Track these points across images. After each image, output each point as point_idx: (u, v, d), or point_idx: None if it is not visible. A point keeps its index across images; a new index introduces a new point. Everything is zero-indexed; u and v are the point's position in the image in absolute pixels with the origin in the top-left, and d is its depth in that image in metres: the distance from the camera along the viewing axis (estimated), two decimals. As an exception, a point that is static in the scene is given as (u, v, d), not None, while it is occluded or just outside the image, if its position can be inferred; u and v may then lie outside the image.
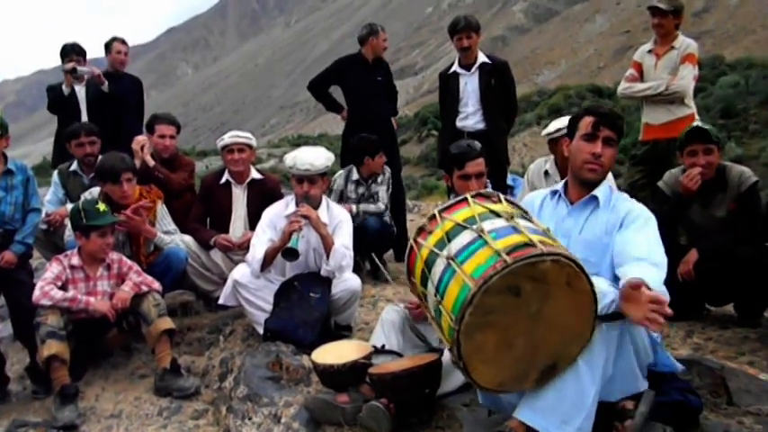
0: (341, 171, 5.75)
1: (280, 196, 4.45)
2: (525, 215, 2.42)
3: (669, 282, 2.36)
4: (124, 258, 3.90)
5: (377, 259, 5.60)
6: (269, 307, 3.90)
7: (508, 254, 2.05)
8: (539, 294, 2.07)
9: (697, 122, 4.09)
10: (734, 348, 3.55)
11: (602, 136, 2.61)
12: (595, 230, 2.61)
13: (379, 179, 5.60)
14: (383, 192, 5.56)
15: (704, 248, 3.82)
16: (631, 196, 5.01)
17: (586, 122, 2.65)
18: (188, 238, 4.54)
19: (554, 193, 2.80)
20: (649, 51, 5.37)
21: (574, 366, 2.20)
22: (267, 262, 3.93)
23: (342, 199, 5.58)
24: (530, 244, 2.10)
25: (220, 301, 4.10)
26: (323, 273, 3.99)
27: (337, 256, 3.91)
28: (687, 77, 5.08)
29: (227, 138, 4.71)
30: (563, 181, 2.82)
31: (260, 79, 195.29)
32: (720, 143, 3.92)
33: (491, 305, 2.04)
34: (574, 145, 2.70)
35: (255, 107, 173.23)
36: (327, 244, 3.92)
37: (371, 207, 5.45)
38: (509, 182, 6.37)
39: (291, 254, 3.73)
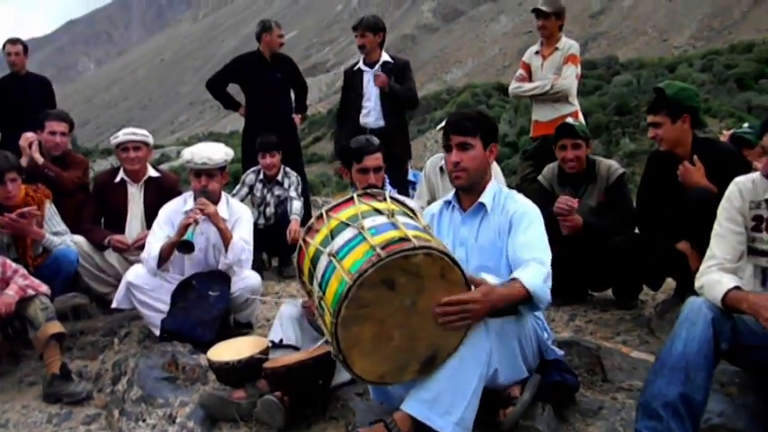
0: (254, 167, 5.78)
1: (178, 194, 4.39)
2: (408, 213, 2.51)
3: (554, 268, 2.54)
4: (8, 262, 3.74)
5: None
6: (165, 307, 3.85)
7: (383, 248, 2.14)
8: (413, 287, 2.16)
9: (568, 119, 4.37)
10: (611, 329, 3.81)
11: (453, 144, 2.68)
12: (489, 235, 2.69)
13: (286, 183, 5.65)
14: (294, 192, 5.62)
15: (588, 223, 4.01)
16: (523, 189, 5.31)
17: (443, 134, 2.77)
18: (80, 239, 4.39)
19: (447, 203, 2.86)
20: (536, 53, 5.65)
21: (455, 357, 2.29)
22: (164, 258, 3.88)
23: (250, 193, 5.68)
24: (405, 239, 2.19)
25: (114, 305, 4.01)
26: (221, 266, 3.99)
27: (236, 249, 3.91)
28: (570, 77, 5.39)
29: (122, 135, 4.59)
30: (453, 190, 2.88)
31: (167, 75, 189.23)
32: (588, 138, 4.20)
33: (366, 298, 2.12)
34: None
35: (163, 103, 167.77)
36: (226, 237, 3.92)
37: (296, 205, 5.49)
38: (410, 177, 6.51)
39: (186, 247, 3.70)
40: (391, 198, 2.57)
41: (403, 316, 2.19)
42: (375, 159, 3.63)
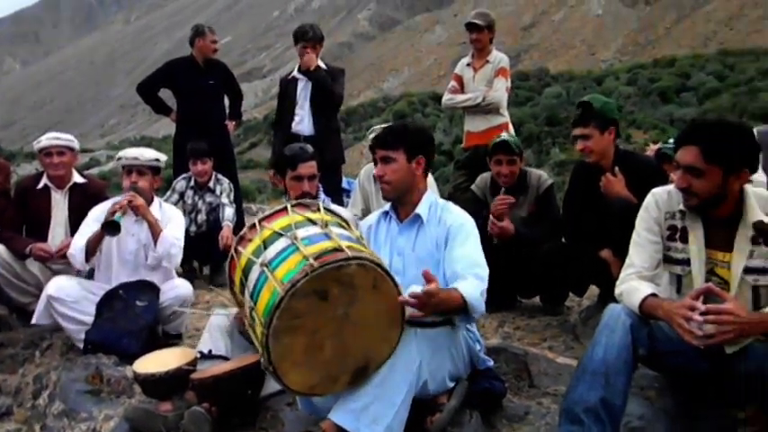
0: (185, 174, 5.67)
1: (105, 200, 4.27)
2: (342, 224, 2.52)
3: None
4: None
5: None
6: (89, 320, 3.72)
7: (316, 258, 2.15)
8: (346, 298, 2.17)
9: (503, 135, 4.47)
10: (538, 335, 3.91)
11: (378, 157, 2.76)
12: (426, 246, 2.72)
13: (218, 190, 5.56)
14: (226, 199, 5.53)
15: (520, 232, 4.13)
16: (456, 198, 5.39)
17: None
18: (-1, 248, 4.22)
19: (385, 213, 2.88)
20: (468, 65, 5.77)
21: (385, 367, 2.30)
22: (91, 251, 3.80)
23: (181, 200, 5.55)
24: (338, 249, 2.20)
25: (33, 321, 3.87)
26: (150, 261, 3.92)
27: (165, 242, 3.85)
28: (501, 90, 5.52)
29: (45, 139, 4.43)
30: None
31: (98, 77, 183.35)
32: (522, 152, 4.33)
33: (299, 309, 2.12)
34: None
35: (93, 106, 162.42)
36: (155, 231, 3.86)
37: (228, 211, 5.40)
38: (344, 185, 6.52)
39: (113, 227, 3.63)
40: (325, 209, 2.58)
41: (335, 327, 2.19)
42: (309, 167, 3.63)
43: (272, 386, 2.92)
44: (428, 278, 2.29)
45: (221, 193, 5.56)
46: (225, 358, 3.08)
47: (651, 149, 5.26)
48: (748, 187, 2.44)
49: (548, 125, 42.62)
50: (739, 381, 2.40)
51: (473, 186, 4.57)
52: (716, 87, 44.63)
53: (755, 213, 2.39)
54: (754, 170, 2.43)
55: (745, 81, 43.57)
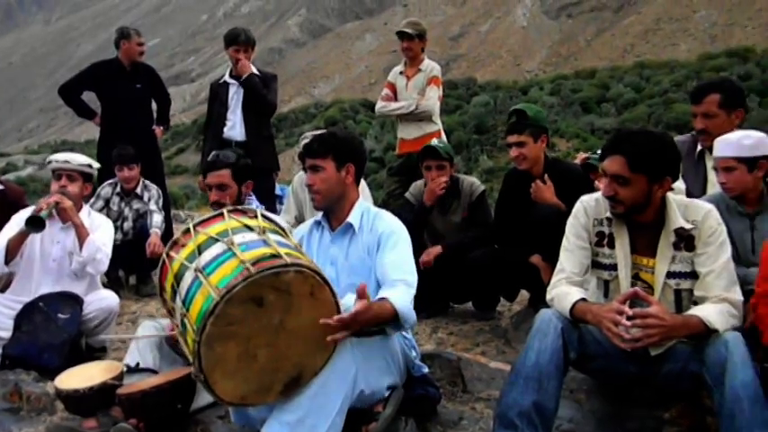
0: (111, 180, 5.47)
1: (24, 208, 4.07)
2: (279, 231, 2.48)
3: (418, 282, 2.60)
4: None
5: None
6: (6, 334, 3.53)
7: (253, 264, 2.10)
8: (282, 305, 2.12)
9: (433, 141, 4.53)
10: (470, 340, 3.97)
11: (307, 166, 2.73)
12: (359, 254, 2.69)
13: (146, 196, 5.40)
14: (154, 206, 5.37)
15: (449, 245, 4.21)
16: (389, 205, 5.40)
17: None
18: None
19: (317, 223, 2.85)
20: (401, 73, 5.81)
21: (320, 378, 2.26)
22: (11, 251, 3.63)
23: (107, 206, 5.37)
24: (276, 255, 2.16)
25: None
26: (74, 266, 3.76)
27: (91, 246, 3.72)
28: (433, 98, 5.59)
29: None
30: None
31: (15, 79, 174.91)
32: (452, 158, 4.39)
33: (233, 315, 2.06)
34: None
35: (10, 109, 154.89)
36: (82, 234, 3.72)
37: (157, 218, 5.23)
38: (278, 191, 6.46)
39: (37, 223, 3.49)
40: (262, 216, 2.53)
41: (270, 335, 2.15)
42: (217, 177, 3.55)
43: (203, 399, 2.83)
44: (361, 294, 2.26)
45: (149, 200, 5.40)
46: (153, 371, 2.98)
47: (579, 158, 5.42)
48: (670, 195, 2.55)
49: (476, 133, 43.48)
50: (664, 382, 2.50)
51: (407, 194, 4.61)
52: (633, 98, 46.61)
53: (677, 220, 2.49)
54: (676, 178, 2.54)
55: (661, 93, 45.68)
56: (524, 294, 4.36)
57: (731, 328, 2.30)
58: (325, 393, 2.26)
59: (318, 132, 2.96)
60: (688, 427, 2.58)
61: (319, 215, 2.87)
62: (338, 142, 2.75)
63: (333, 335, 2.19)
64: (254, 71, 5.62)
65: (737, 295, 2.41)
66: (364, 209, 2.79)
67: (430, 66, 5.71)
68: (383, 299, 2.41)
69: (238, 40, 5.52)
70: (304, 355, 2.23)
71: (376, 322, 2.36)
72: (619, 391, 2.78)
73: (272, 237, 2.30)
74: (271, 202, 5.52)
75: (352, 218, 2.73)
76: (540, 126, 3.89)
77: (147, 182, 5.50)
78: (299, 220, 4.87)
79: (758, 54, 50.19)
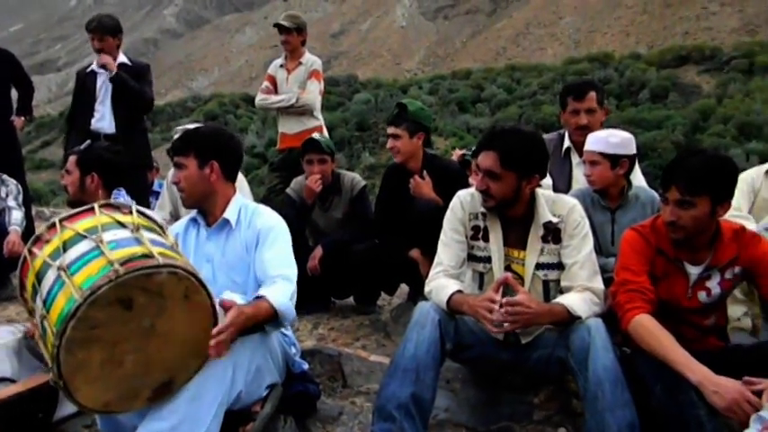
0: None
1: None
2: (156, 228, 2.34)
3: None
4: None
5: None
6: None
7: (122, 264, 1.96)
8: (153, 308, 2.01)
9: (314, 135, 4.50)
10: (351, 335, 3.97)
11: (173, 163, 2.67)
12: (236, 251, 2.61)
13: (3, 191, 4.97)
14: (12, 202, 4.95)
15: (326, 244, 4.21)
16: (270, 201, 5.30)
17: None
18: None
19: (193, 220, 2.74)
20: (281, 66, 5.73)
21: (194, 381, 2.18)
22: None
23: None
24: (148, 255, 2.03)
25: None
26: None
27: None
28: (314, 92, 5.55)
29: None
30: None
31: None
32: (333, 153, 4.38)
33: (98, 318, 1.92)
34: None
35: None
36: None
37: (16, 215, 4.82)
38: (155, 187, 6.22)
39: None
40: (138, 212, 2.38)
41: (139, 339, 2.02)
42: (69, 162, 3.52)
43: (67, 408, 2.65)
44: (226, 306, 2.18)
45: (7, 196, 4.98)
46: (11, 380, 2.75)
47: (456, 155, 5.57)
48: (538, 190, 2.67)
49: (358, 130, 43.85)
50: (534, 367, 2.62)
51: (288, 189, 4.54)
52: (505, 99, 48.82)
53: (545, 214, 2.62)
54: (544, 176, 2.67)
55: (530, 94, 48.15)
56: (404, 288, 4.43)
57: (594, 315, 2.44)
58: (201, 398, 2.18)
59: (189, 127, 2.84)
60: (556, 411, 2.71)
61: (194, 212, 2.76)
62: (200, 139, 2.65)
63: (211, 341, 2.11)
64: (125, 61, 5.33)
65: (599, 284, 2.56)
66: (242, 205, 2.70)
67: (311, 60, 5.67)
68: (260, 297, 2.35)
69: (91, 27, 5.23)
70: (176, 360, 2.12)
71: (254, 322, 2.30)
72: (492, 378, 2.88)
73: (147, 235, 2.17)
74: (144, 199, 5.25)
75: (229, 214, 2.65)
76: (418, 123, 3.96)
77: (5, 176, 5.08)
78: (174, 216, 4.68)
79: (616, 60, 54.04)
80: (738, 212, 3.81)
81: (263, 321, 2.35)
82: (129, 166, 4.64)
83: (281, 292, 2.41)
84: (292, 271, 2.55)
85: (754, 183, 4.02)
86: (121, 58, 5.37)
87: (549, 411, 2.71)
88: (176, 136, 4.49)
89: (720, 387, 2.06)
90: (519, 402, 2.76)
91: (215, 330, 2.11)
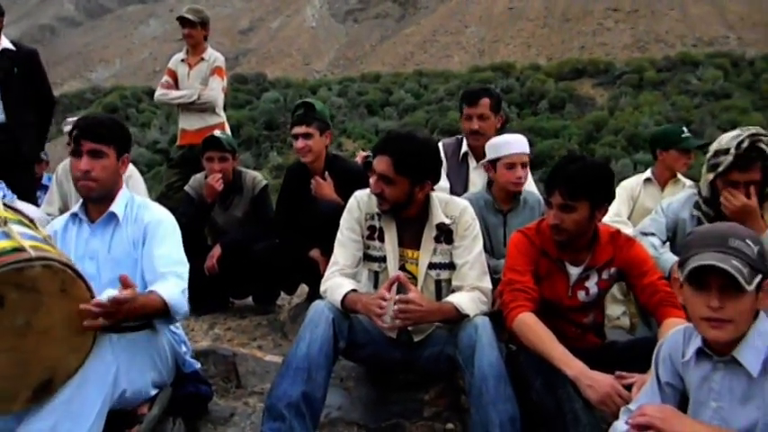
0: None
1: None
2: (25, 222, 2.23)
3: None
4: None
5: None
6: None
7: (-11, 261, 1.86)
8: (28, 304, 1.92)
9: (216, 131, 4.42)
10: (248, 335, 3.93)
11: (85, 150, 2.49)
12: (123, 247, 2.52)
13: None
14: None
15: (225, 244, 4.14)
16: (169, 198, 5.16)
17: (72, 137, 2.52)
18: None
19: (74, 216, 2.60)
20: (182, 60, 5.59)
21: (75, 379, 2.09)
22: None
23: None
24: (19, 249, 1.94)
25: None
26: None
27: None
28: (216, 89, 5.46)
29: None
30: (80, 201, 2.64)
31: None
32: (235, 151, 4.32)
33: None
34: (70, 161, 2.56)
35: None
36: None
37: None
38: (44, 181, 5.95)
39: None
40: (5, 205, 2.26)
41: (13, 338, 1.92)
42: None
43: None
44: (125, 284, 2.12)
45: None
46: None
47: (359, 157, 5.62)
48: (432, 192, 2.74)
49: (266, 129, 43.27)
50: (425, 365, 2.69)
51: (186, 187, 4.43)
52: (413, 104, 49.58)
53: (438, 216, 2.70)
54: (437, 182, 2.74)
55: (437, 100, 49.14)
56: (304, 288, 4.42)
57: (481, 313, 2.54)
58: (82, 396, 2.09)
59: (91, 115, 2.70)
60: (445, 407, 2.79)
61: (75, 208, 2.64)
62: (122, 131, 2.61)
63: (90, 322, 2.03)
64: (8, 46, 5.02)
65: (488, 284, 2.67)
66: (128, 198, 2.62)
67: (213, 55, 5.56)
68: (151, 291, 2.30)
69: None
70: (56, 357, 2.03)
71: (143, 313, 2.24)
72: (385, 376, 2.94)
73: (16, 228, 2.06)
74: (31, 194, 4.98)
75: (116, 207, 2.55)
76: (324, 121, 3.97)
77: None
78: (64, 211, 4.45)
79: (518, 70, 56.05)
80: (618, 218, 4.06)
81: (153, 314, 2.29)
82: (21, 159, 4.43)
83: (174, 287, 2.36)
84: (183, 268, 2.50)
85: (634, 191, 4.30)
86: (4, 42, 5.05)
87: (438, 408, 2.78)
88: (67, 128, 4.30)
89: (595, 381, 2.19)
90: (410, 399, 2.82)
91: (96, 301, 2.03)
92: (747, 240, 1.68)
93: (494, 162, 3.35)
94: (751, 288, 1.63)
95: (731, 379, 1.71)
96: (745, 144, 2.73)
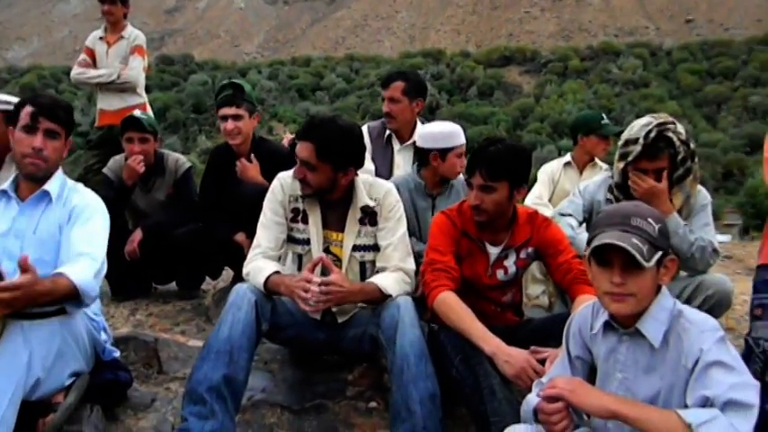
0: None
1: None
2: None
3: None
4: None
5: None
6: None
7: None
8: None
9: (136, 111, 4.28)
10: (171, 320, 3.85)
11: (42, 128, 2.44)
12: (49, 228, 2.45)
13: None
14: None
15: (147, 227, 4.03)
16: (87, 181, 4.97)
17: (26, 113, 2.45)
18: None
19: (3, 192, 2.52)
20: (101, 38, 5.39)
21: None
22: None
23: None
24: None
25: None
26: None
27: None
28: (137, 68, 5.28)
29: None
30: (13, 176, 2.56)
31: None
32: (156, 132, 4.20)
33: None
34: (16, 136, 2.48)
35: None
36: None
37: None
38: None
39: None
40: None
41: None
42: None
43: None
44: (23, 268, 2.04)
45: None
46: None
47: (286, 139, 5.56)
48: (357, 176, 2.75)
49: (194, 112, 42.27)
50: (348, 346, 2.71)
51: (105, 169, 4.27)
52: (345, 89, 49.50)
53: (363, 198, 2.71)
54: (360, 167, 2.74)
55: (368, 85, 49.21)
56: (230, 272, 4.36)
57: (404, 293, 2.58)
58: None
59: (48, 96, 2.59)
60: (368, 386, 2.83)
61: (6, 185, 2.54)
62: (72, 116, 2.58)
63: None
64: None
65: (411, 265, 2.71)
66: (62, 180, 2.57)
67: (134, 33, 5.38)
68: (59, 274, 2.21)
69: None
70: None
71: (51, 298, 2.16)
72: (309, 358, 2.94)
73: None
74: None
75: (51, 186, 2.49)
76: (253, 103, 3.91)
77: None
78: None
79: (448, 56, 56.70)
80: (539, 200, 4.18)
81: (61, 299, 2.21)
82: None
83: (86, 269, 2.29)
84: (100, 251, 2.43)
85: (554, 174, 4.44)
86: None
87: (361, 387, 2.82)
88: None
89: (511, 357, 2.26)
90: (334, 380, 2.85)
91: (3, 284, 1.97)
92: (649, 219, 1.76)
93: (444, 151, 3.36)
94: (650, 265, 1.70)
95: (635, 350, 1.80)
96: (653, 134, 2.85)
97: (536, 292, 3.92)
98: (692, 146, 2.95)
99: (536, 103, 43.49)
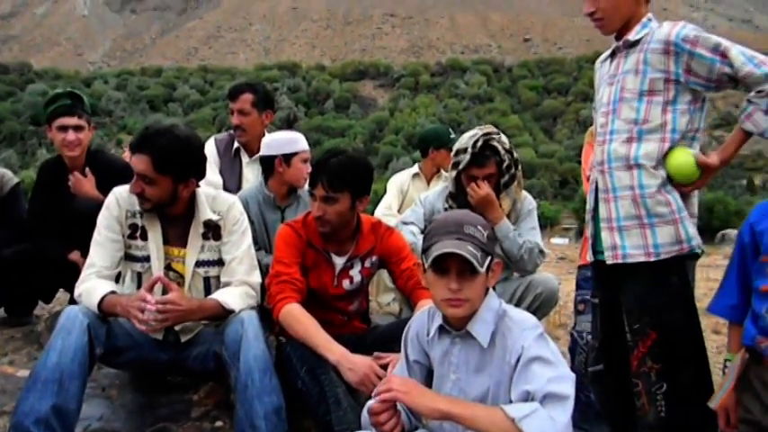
0: None
1: None
2: None
3: None
4: None
5: None
6: None
7: None
8: None
9: None
10: (-2, 351, 3.53)
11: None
12: None
13: None
14: None
15: None
16: None
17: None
18: None
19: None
20: None
21: None
22: None
23: None
24: None
25: None
26: None
27: None
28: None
29: None
30: None
31: None
32: None
33: None
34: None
35: None
36: None
37: None
38: None
39: None
40: None
41: None
42: None
43: None
44: None
45: None
46: None
47: (126, 152, 5.29)
48: (199, 188, 2.67)
49: (32, 124, 39.25)
50: (193, 365, 2.61)
51: None
52: (199, 100, 48.17)
53: (205, 212, 2.63)
54: (201, 178, 2.66)
55: (223, 97, 48.19)
56: (65, 294, 4.06)
57: (248, 307, 2.53)
58: None
59: None
60: (214, 405, 2.74)
61: None
62: None
63: None
64: None
65: (257, 278, 2.66)
66: None
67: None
68: None
69: None
70: None
71: None
72: (152, 380, 2.81)
73: None
74: None
75: None
76: (89, 114, 3.70)
77: None
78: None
79: (304, 70, 56.91)
80: (389, 211, 4.29)
81: None
82: None
83: None
84: None
85: (403, 185, 4.58)
86: None
87: (207, 407, 2.72)
88: None
89: (354, 364, 2.29)
90: (178, 401, 2.73)
91: None
92: (479, 226, 1.86)
93: (288, 157, 3.34)
94: (483, 270, 1.81)
95: (467, 351, 1.88)
96: (480, 143, 3.09)
97: (386, 299, 4.01)
98: (515, 154, 3.19)
99: (390, 116, 44.70)
